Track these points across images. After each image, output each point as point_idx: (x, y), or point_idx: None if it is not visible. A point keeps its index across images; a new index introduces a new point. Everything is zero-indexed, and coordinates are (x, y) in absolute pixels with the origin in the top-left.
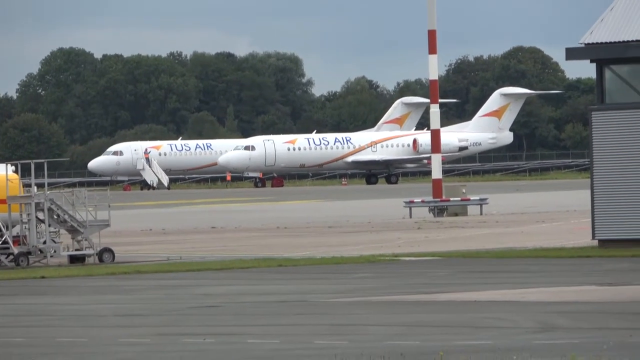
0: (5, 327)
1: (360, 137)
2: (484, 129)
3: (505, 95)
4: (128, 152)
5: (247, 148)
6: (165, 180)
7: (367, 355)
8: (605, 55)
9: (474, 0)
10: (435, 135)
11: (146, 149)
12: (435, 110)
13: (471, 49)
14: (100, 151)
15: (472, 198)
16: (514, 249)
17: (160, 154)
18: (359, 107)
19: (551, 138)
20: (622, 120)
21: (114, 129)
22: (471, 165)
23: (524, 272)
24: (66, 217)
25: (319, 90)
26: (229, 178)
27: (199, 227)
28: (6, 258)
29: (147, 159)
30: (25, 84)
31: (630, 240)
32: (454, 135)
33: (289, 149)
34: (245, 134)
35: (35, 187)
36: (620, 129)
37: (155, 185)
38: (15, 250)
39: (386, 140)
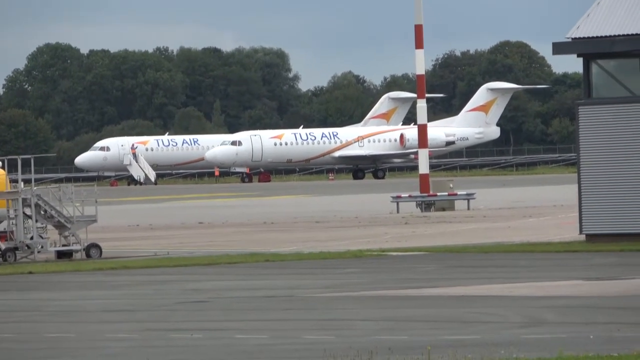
0: None
1: (347, 132)
2: (471, 123)
3: (492, 90)
4: (115, 147)
5: (233, 143)
6: (152, 175)
7: (355, 350)
8: (592, 49)
9: None
10: (422, 130)
11: (133, 145)
12: (422, 105)
13: (458, 43)
14: (87, 147)
15: (459, 193)
16: (501, 243)
17: (147, 149)
18: (346, 102)
19: (538, 133)
20: (609, 115)
21: (101, 125)
22: (458, 160)
23: (512, 267)
24: (53, 212)
25: (305, 85)
26: (217, 173)
27: (186, 223)
28: None
29: (134, 155)
30: (12, 80)
31: (617, 235)
32: (441, 130)
33: (275, 144)
34: (232, 129)
35: (22, 183)
36: (607, 123)
37: (142, 180)
38: (3, 246)
39: (373, 135)
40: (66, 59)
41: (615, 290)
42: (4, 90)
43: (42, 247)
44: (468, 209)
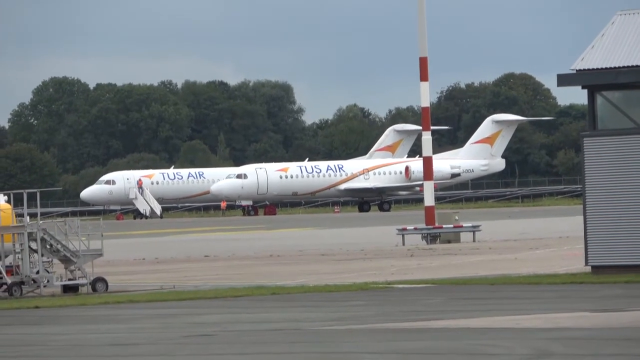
0: None
1: (352, 165)
2: (476, 155)
3: (497, 122)
4: (120, 181)
5: (239, 176)
6: (157, 209)
7: None
8: (597, 81)
9: (465, 27)
10: (428, 163)
11: (140, 179)
12: (427, 138)
13: (462, 75)
14: (92, 180)
15: (464, 225)
16: (508, 275)
17: (152, 183)
18: (351, 134)
19: (543, 164)
20: (614, 146)
21: (107, 158)
22: (463, 192)
23: (518, 299)
24: (59, 246)
25: (309, 118)
26: (224, 206)
27: (192, 256)
28: None
29: (141, 188)
30: (17, 114)
31: (623, 267)
32: (446, 163)
33: (281, 177)
34: (238, 162)
35: (28, 217)
36: (613, 154)
37: (147, 214)
38: (9, 280)
39: (378, 167)
40: (72, 93)
41: (621, 322)
42: (10, 124)
43: (48, 281)
44: (474, 241)
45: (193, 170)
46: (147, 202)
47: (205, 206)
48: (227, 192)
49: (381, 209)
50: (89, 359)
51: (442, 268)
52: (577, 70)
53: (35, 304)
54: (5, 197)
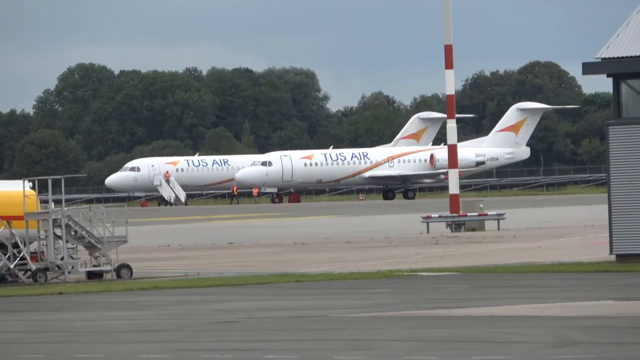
0: (24, 343)
1: (377, 153)
2: (501, 144)
3: (522, 110)
4: (145, 168)
5: (264, 164)
6: (182, 196)
7: None
8: (622, 69)
9: (490, 15)
10: (452, 151)
11: (167, 172)
12: (452, 126)
13: (487, 63)
14: (117, 167)
15: (489, 213)
16: (532, 263)
17: (177, 170)
18: (376, 122)
19: (568, 153)
20: (639, 135)
21: (131, 145)
22: (488, 180)
23: (542, 287)
24: (84, 233)
25: (333, 105)
26: (255, 193)
27: (216, 243)
28: (24, 274)
29: (168, 180)
30: (42, 100)
31: None
32: (471, 151)
33: (305, 165)
34: (262, 150)
35: (53, 204)
36: (637, 143)
37: (172, 201)
38: (33, 266)
39: (403, 155)
40: (97, 80)
41: None
42: (35, 111)
43: (72, 267)
44: (498, 229)
45: (218, 158)
46: (171, 189)
47: (230, 193)
48: (252, 180)
49: (406, 196)
50: (113, 345)
51: (467, 256)
52: (602, 59)
53: (59, 290)
54: (30, 184)
